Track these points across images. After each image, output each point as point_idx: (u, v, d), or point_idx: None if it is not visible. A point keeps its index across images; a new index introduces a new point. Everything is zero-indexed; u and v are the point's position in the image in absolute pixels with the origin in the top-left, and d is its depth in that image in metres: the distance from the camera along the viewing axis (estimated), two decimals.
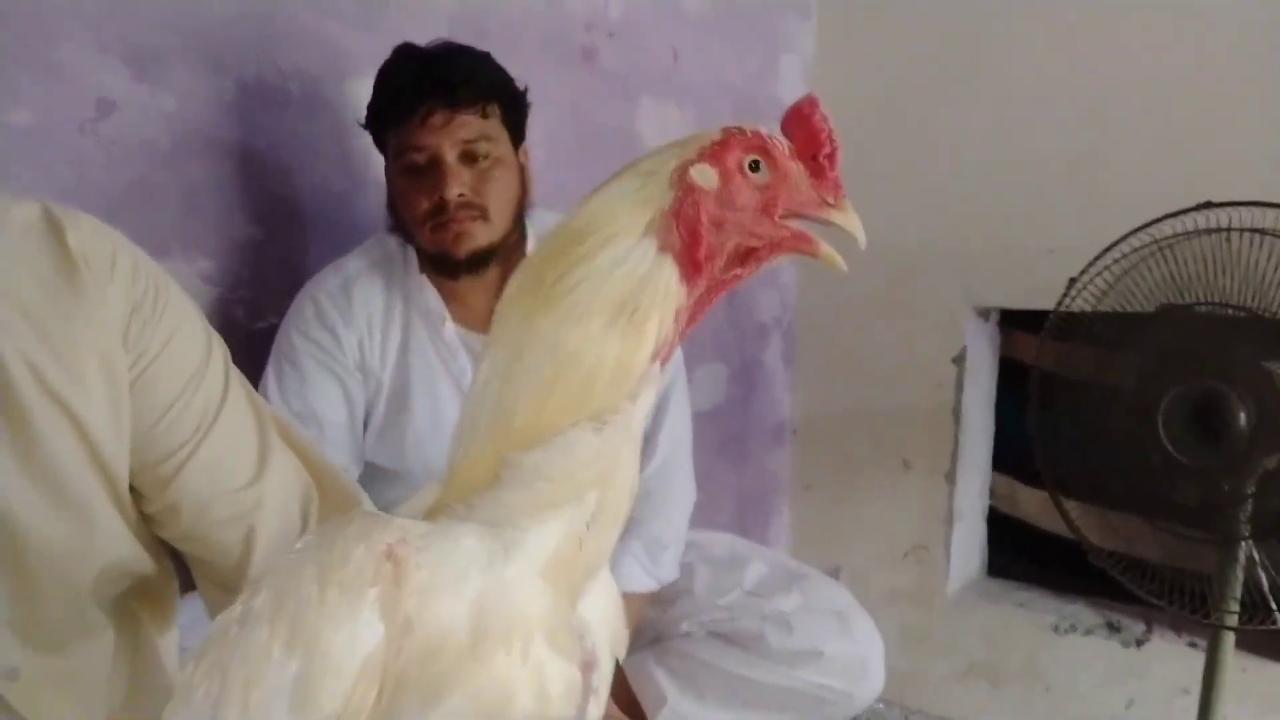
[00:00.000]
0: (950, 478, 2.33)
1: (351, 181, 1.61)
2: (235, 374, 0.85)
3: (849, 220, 0.54)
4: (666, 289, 0.52)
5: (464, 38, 1.44)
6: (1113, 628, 2.19)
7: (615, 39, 1.94)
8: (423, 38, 1.41)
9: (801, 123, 0.53)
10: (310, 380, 1.38)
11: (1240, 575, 1.75)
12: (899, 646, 1.62)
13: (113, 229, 0.76)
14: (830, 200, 0.53)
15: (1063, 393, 1.92)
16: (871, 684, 1.44)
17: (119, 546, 0.79)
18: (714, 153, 0.52)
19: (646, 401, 0.54)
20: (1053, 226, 2.06)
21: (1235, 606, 1.76)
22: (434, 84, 1.33)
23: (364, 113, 1.42)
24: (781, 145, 0.53)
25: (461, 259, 1.38)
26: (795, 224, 0.54)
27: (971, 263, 2.22)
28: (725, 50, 2.23)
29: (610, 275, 0.51)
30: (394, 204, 1.42)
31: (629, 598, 1.45)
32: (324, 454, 0.94)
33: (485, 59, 1.39)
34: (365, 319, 1.42)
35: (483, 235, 1.37)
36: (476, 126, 1.37)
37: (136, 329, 0.74)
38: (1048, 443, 1.93)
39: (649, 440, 1.56)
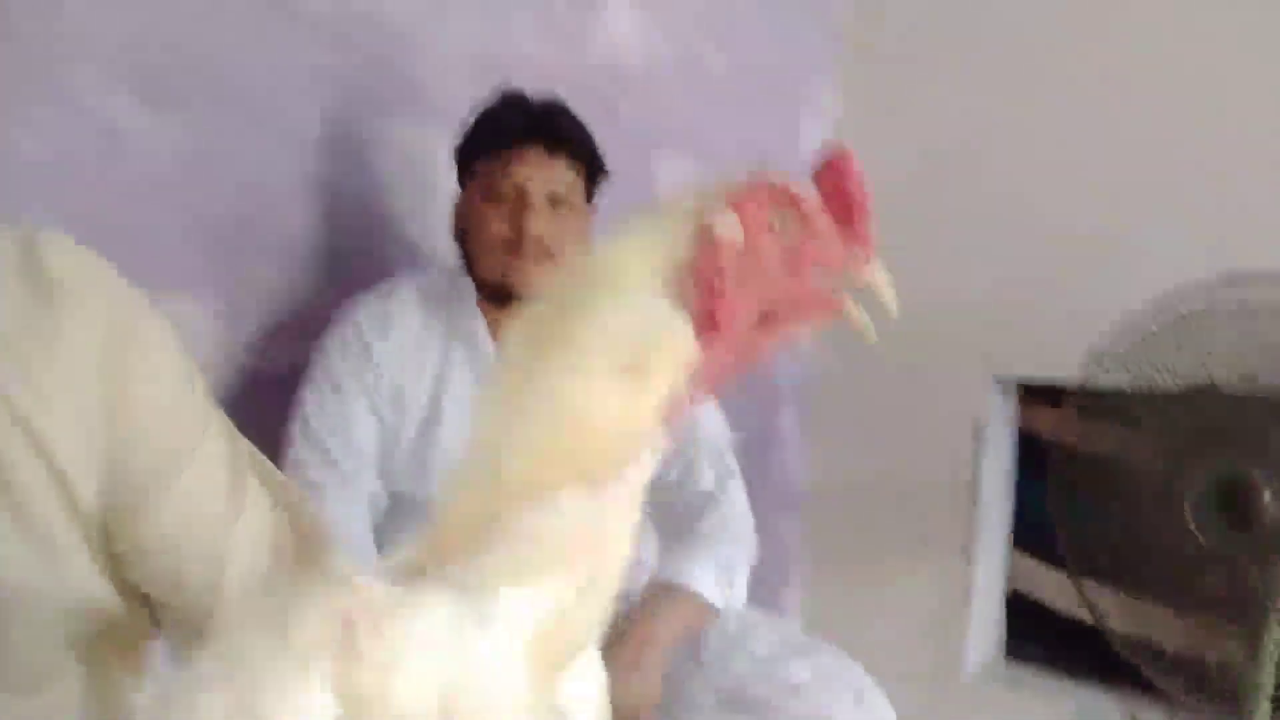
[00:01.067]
0: (967, 554, 2.26)
1: (371, 221, 1.59)
2: (216, 411, 0.82)
3: (880, 282, 0.49)
4: (678, 347, 0.48)
5: (484, 83, 1.44)
6: None
7: (636, 92, 1.93)
8: (444, 83, 1.41)
9: (834, 174, 0.49)
10: (347, 402, 1.40)
11: (1271, 667, 1.68)
12: None
13: (96, 254, 0.74)
14: (862, 258, 0.48)
15: (1085, 470, 1.86)
16: None
17: (88, 585, 0.76)
18: (738, 203, 0.48)
19: (648, 467, 0.49)
20: (1077, 296, 2.02)
21: (1267, 707, 1.69)
22: (541, 127, 1.41)
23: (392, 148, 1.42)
24: (811, 198, 0.49)
25: (525, 294, 1.39)
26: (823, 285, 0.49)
27: (993, 332, 2.18)
28: (747, 110, 2.22)
29: (617, 329, 0.47)
30: (465, 230, 1.46)
31: (694, 602, 1.41)
32: (303, 497, 0.90)
33: (584, 124, 1.46)
34: (400, 343, 1.43)
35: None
36: (568, 177, 1.43)
37: (112, 357, 0.71)
38: (1069, 522, 1.87)
39: (689, 466, 1.55)
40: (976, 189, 2.20)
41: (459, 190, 1.50)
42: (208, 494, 0.78)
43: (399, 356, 1.43)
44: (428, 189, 1.65)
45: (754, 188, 0.48)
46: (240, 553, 0.79)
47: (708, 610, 1.46)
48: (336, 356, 1.42)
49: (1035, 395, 2.29)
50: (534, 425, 0.48)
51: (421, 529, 0.53)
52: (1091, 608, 1.88)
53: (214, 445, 0.79)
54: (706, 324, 0.47)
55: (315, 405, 1.40)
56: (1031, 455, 2.28)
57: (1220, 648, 1.82)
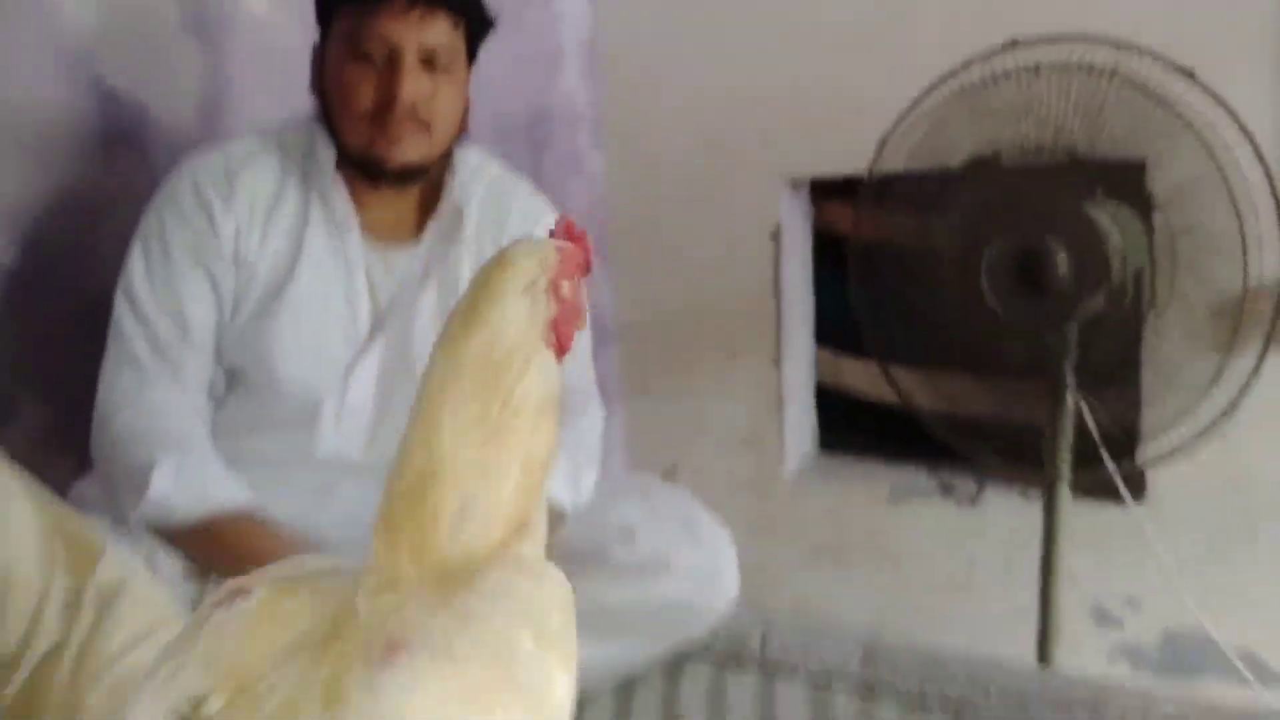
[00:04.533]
0: (777, 362, 2.26)
1: None
2: None
3: None
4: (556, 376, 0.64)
5: None
6: (946, 489, 2.19)
7: None
8: None
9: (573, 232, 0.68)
10: (180, 273, 1.27)
11: (1071, 426, 1.75)
12: (744, 538, 1.57)
13: None
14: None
15: (883, 261, 1.86)
16: (726, 592, 1.35)
17: None
18: (566, 268, 0.64)
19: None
20: (861, 87, 1.97)
21: (1068, 458, 1.76)
22: None
23: None
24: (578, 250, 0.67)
25: (393, 168, 1.29)
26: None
27: (784, 134, 2.12)
28: None
29: (539, 385, 0.61)
30: (326, 92, 1.31)
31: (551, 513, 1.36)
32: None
33: None
34: (249, 206, 1.30)
35: (421, 149, 1.30)
36: (446, 34, 1.28)
37: None
38: (871, 312, 1.87)
39: None
40: None
41: (317, 34, 1.33)
42: None
43: (246, 218, 1.29)
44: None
45: (567, 255, 0.65)
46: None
47: (556, 514, 1.38)
48: (171, 221, 1.27)
49: (829, 193, 2.26)
50: (512, 483, 0.61)
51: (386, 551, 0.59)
52: (900, 392, 1.91)
53: None
54: (561, 355, 0.64)
55: (143, 276, 1.27)
56: (830, 253, 2.28)
57: (1024, 411, 1.90)
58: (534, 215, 1.45)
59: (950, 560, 2.09)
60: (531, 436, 0.61)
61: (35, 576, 0.81)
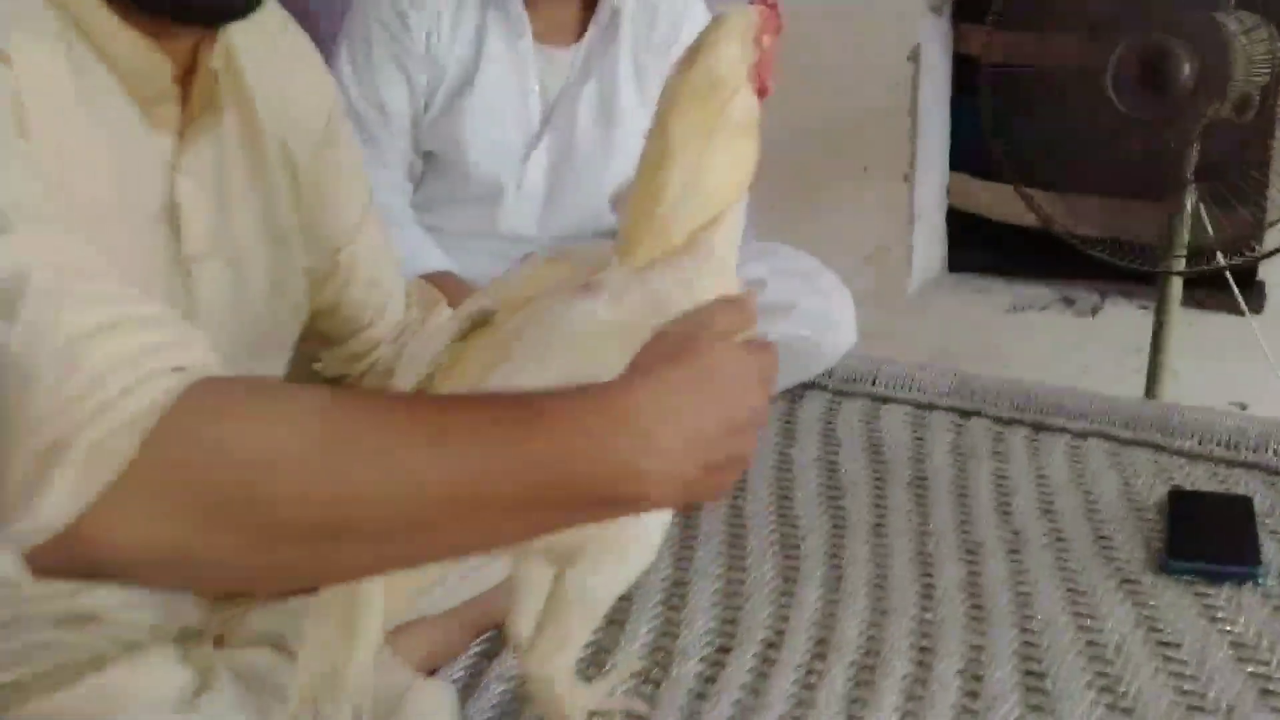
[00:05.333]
0: (909, 178, 2.37)
1: None
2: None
3: None
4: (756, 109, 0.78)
5: None
6: (1067, 301, 2.29)
7: None
8: None
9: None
10: (380, 69, 1.47)
11: (1186, 222, 1.83)
12: (862, 346, 1.71)
13: None
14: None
15: (1015, 81, 1.94)
16: (844, 336, 1.52)
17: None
18: (766, 26, 0.78)
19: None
20: None
21: (1182, 252, 1.85)
22: None
23: None
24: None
25: None
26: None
27: None
28: None
29: (744, 109, 0.76)
30: None
31: None
32: None
33: None
34: (436, 13, 1.48)
35: None
36: None
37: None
38: (1004, 132, 1.96)
39: None
40: None
41: None
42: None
43: (434, 23, 1.48)
44: None
45: (766, 15, 0.79)
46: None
47: None
48: (372, 26, 1.47)
49: (965, 15, 2.33)
50: (724, 164, 0.76)
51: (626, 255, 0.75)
52: (1032, 206, 2.01)
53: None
54: (762, 95, 0.79)
55: (350, 74, 1.47)
56: (962, 76, 2.36)
57: (1143, 226, 1.98)
58: (679, 8, 1.60)
59: (1064, 365, 2.20)
60: (739, 146, 0.76)
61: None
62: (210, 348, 0.57)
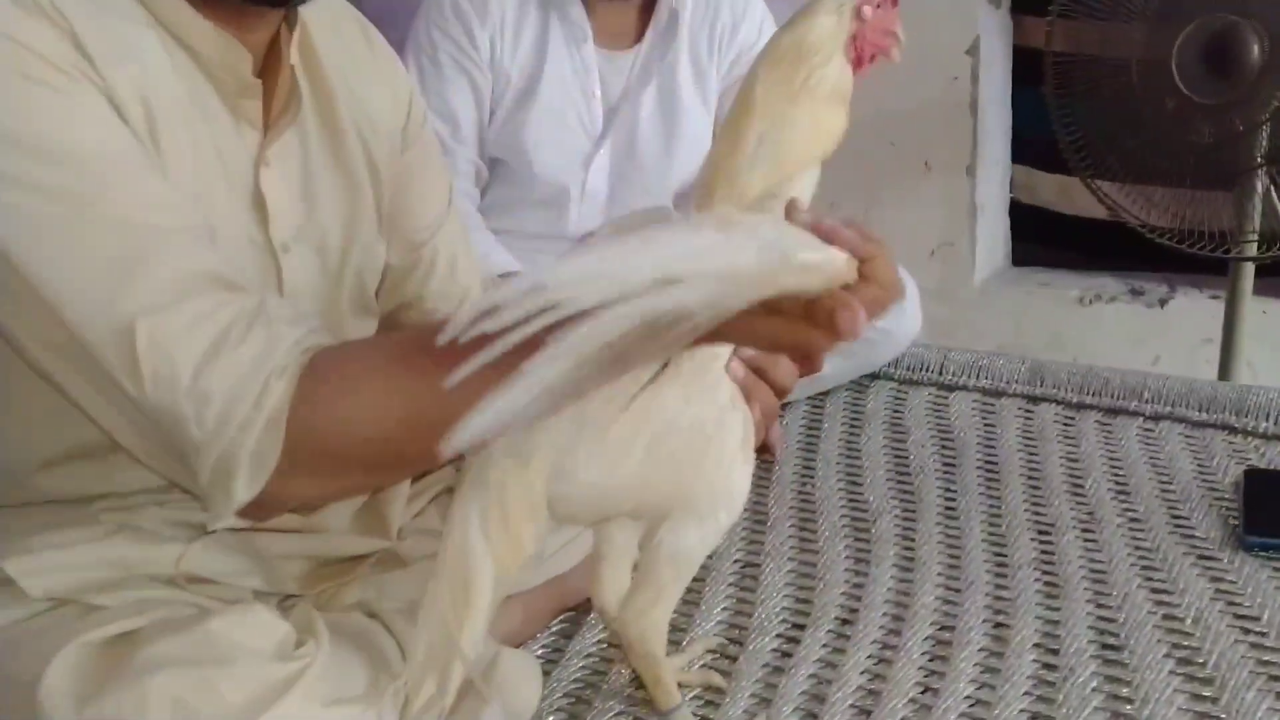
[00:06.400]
0: (971, 172, 2.36)
1: None
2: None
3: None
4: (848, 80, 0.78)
5: None
6: (1136, 293, 2.27)
7: None
8: None
9: None
10: (448, 79, 1.50)
11: (1258, 207, 1.81)
12: (929, 340, 1.73)
13: None
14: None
15: (1079, 71, 1.93)
16: (909, 325, 1.52)
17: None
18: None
19: None
20: None
21: (1254, 238, 1.82)
22: None
23: None
24: None
25: None
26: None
27: None
28: None
29: (834, 77, 0.76)
30: None
31: None
32: None
33: None
34: (499, 20, 1.51)
35: None
36: None
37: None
38: (1070, 124, 1.95)
39: None
40: None
41: None
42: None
43: (498, 31, 1.51)
44: None
45: None
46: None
47: None
48: (438, 36, 1.51)
49: (1023, 7, 2.32)
50: (805, 128, 0.76)
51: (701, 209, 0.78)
52: (1100, 197, 1.99)
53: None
54: (857, 67, 0.78)
55: (417, 85, 1.48)
56: (1021, 69, 2.35)
57: (1213, 214, 1.95)
58: (739, 9, 1.62)
59: (1134, 357, 2.18)
60: (821, 112, 0.76)
61: None
62: (293, 319, 0.70)
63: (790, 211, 0.70)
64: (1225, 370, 1.92)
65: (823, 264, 0.62)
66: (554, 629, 1.04)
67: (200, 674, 0.66)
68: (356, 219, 0.92)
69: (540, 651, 1.01)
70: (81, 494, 0.78)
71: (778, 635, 1.00)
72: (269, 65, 0.82)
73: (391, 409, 0.67)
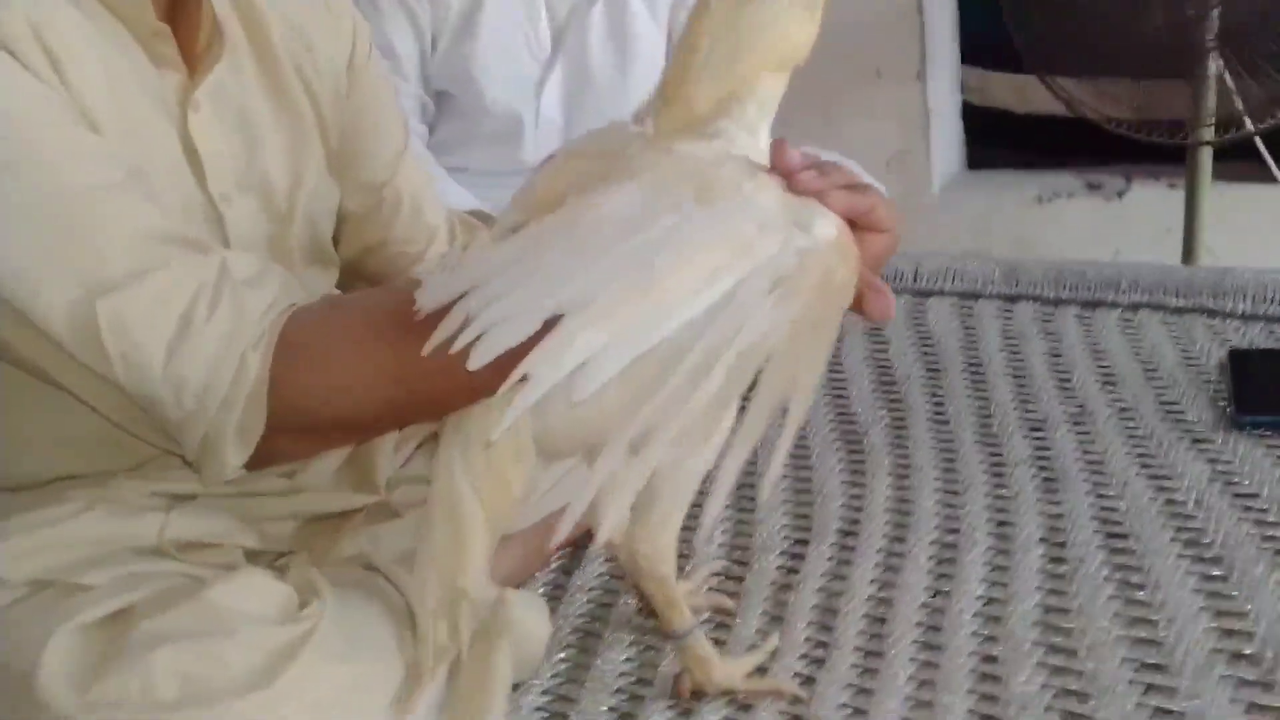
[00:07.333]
0: (921, 77, 2.34)
1: None
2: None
3: None
4: None
5: None
6: (1093, 187, 2.27)
7: None
8: None
9: None
10: (383, 12, 1.44)
11: (1212, 91, 1.80)
12: None
13: None
14: None
15: None
16: None
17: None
18: None
19: None
20: None
21: (1210, 122, 1.82)
22: None
23: None
24: None
25: None
26: None
27: None
28: None
29: None
30: None
31: None
32: None
33: None
34: None
35: None
36: None
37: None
38: (1023, 22, 1.93)
39: None
40: None
41: None
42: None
43: None
44: None
45: None
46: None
47: None
48: None
49: None
50: (753, 34, 0.71)
51: (658, 114, 0.73)
52: (1056, 92, 1.97)
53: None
54: None
55: None
56: None
57: (1169, 103, 1.95)
58: None
59: (1095, 250, 2.19)
60: (782, 16, 0.72)
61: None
62: (257, 277, 0.69)
63: (778, 155, 0.68)
64: (1188, 257, 1.93)
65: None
66: (554, 565, 1.02)
67: (205, 645, 0.63)
68: (303, 159, 0.87)
69: (542, 590, 0.99)
70: (53, 476, 0.75)
71: (781, 553, 0.99)
72: (182, 5, 0.76)
73: (374, 382, 0.68)
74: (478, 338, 0.60)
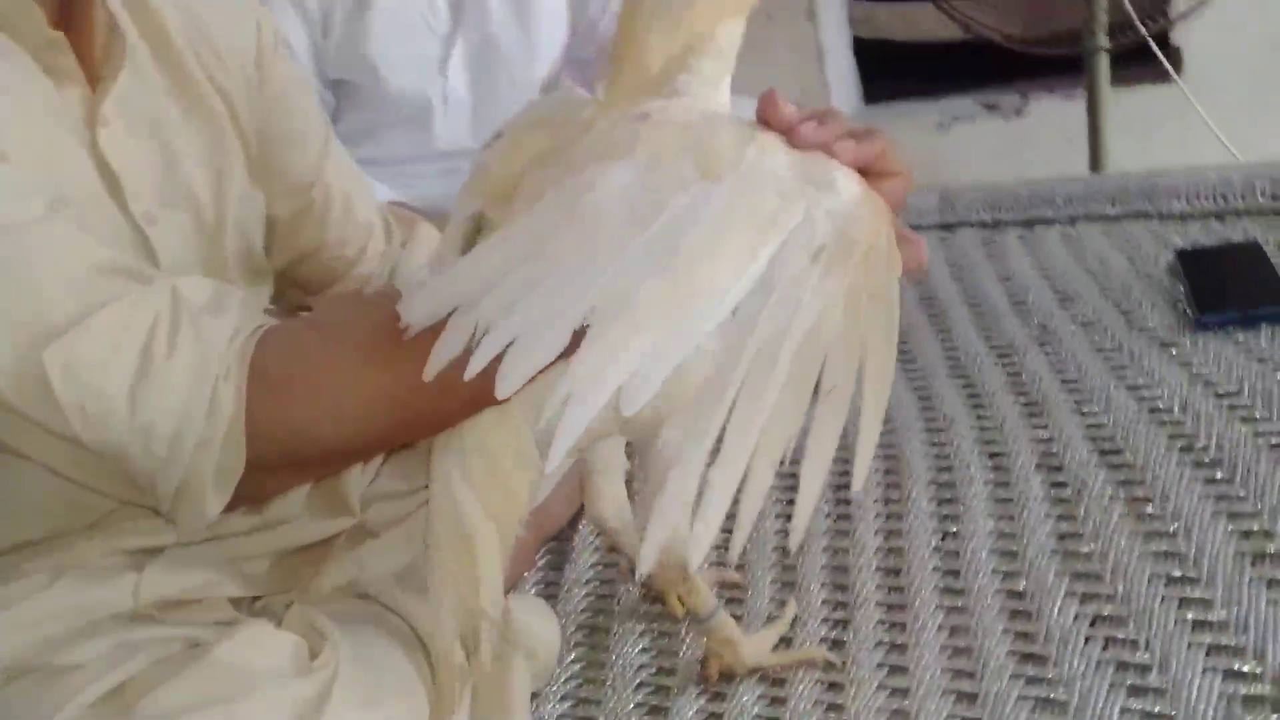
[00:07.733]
0: (811, 15, 2.32)
1: None
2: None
3: None
4: None
5: None
6: (991, 108, 2.28)
7: None
8: None
9: None
10: (269, 3, 1.31)
11: (1104, 19, 1.82)
12: None
13: None
14: None
15: None
16: None
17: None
18: None
19: None
20: None
21: (1104, 28, 1.84)
22: None
23: None
24: None
25: None
26: None
27: None
28: None
29: None
30: None
31: None
32: None
33: None
34: None
35: None
36: None
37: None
38: None
39: None
40: None
41: None
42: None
43: None
44: None
45: None
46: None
47: None
48: None
49: None
50: None
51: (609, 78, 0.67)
52: (956, 17, 1.97)
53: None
54: None
55: None
56: None
57: (1062, 15, 1.97)
58: None
59: (1005, 170, 2.20)
60: None
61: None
62: (213, 302, 0.62)
63: (770, 109, 0.63)
64: (1095, 165, 1.95)
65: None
66: (539, 564, 0.98)
67: (227, 711, 0.57)
68: (224, 163, 0.80)
69: (535, 590, 0.94)
70: (3, 546, 0.67)
71: (777, 516, 0.96)
72: (76, 9, 0.68)
73: (371, 409, 0.61)
74: (498, 357, 0.54)
